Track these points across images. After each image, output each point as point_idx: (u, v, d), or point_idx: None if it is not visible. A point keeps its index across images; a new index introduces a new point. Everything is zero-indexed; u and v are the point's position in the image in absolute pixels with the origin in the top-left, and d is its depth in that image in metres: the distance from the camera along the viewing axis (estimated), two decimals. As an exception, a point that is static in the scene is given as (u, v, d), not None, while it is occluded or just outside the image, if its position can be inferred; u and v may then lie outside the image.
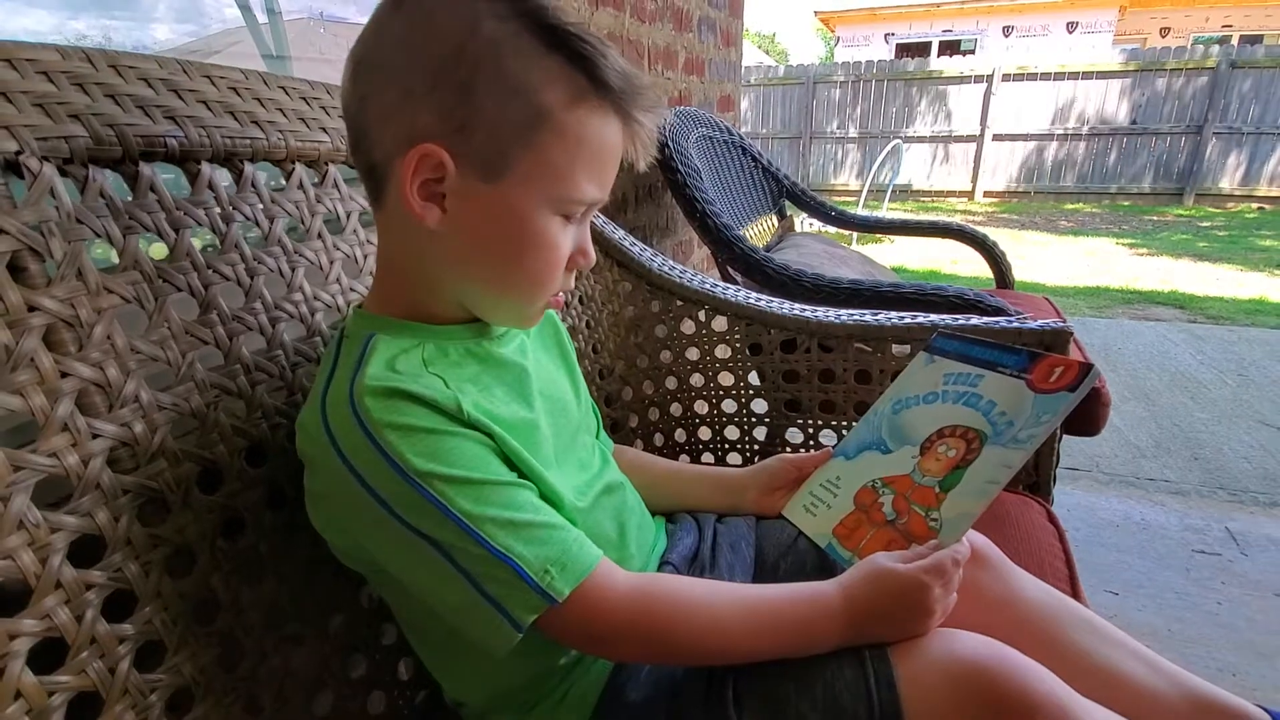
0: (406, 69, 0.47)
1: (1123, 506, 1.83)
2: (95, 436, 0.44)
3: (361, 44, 0.49)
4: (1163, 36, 11.39)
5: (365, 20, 0.49)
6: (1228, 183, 7.97)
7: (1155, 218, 7.38)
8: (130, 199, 0.49)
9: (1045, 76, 8.36)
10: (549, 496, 0.53)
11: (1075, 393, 0.54)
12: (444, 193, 0.48)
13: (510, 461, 0.51)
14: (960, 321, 0.88)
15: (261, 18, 1.26)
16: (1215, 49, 8.01)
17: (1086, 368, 0.54)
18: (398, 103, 0.47)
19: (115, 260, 0.48)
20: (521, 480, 0.51)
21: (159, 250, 0.52)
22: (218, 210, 0.54)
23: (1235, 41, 10.35)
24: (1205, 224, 6.93)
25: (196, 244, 0.55)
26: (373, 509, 0.46)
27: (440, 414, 0.47)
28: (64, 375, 0.43)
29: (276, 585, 0.54)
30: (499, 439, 0.50)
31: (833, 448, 0.71)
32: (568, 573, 0.48)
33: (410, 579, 0.49)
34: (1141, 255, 5.40)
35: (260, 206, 0.58)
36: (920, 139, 9.01)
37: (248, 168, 0.57)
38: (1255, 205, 7.75)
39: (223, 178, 0.56)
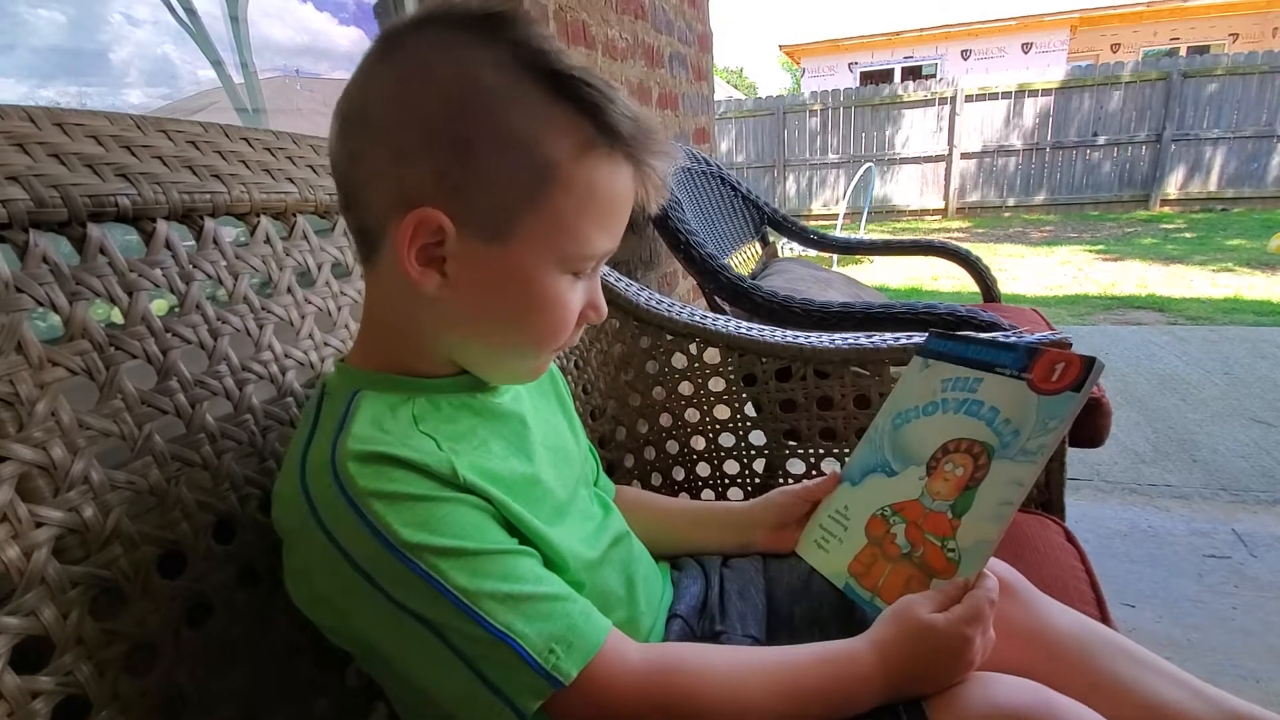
0: (399, 126, 0.43)
1: (1128, 515, 1.81)
2: (39, 525, 0.40)
3: (348, 98, 0.45)
4: (1114, 52, 11.77)
5: (340, 75, 0.46)
6: (1190, 186, 8.19)
7: (1123, 224, 7.54)
8: (78, 263, 0.46)
9: (1006, 95, 8.61)
10: (552, 560, 0.49)
11: (1081, 392, 0.51)
12: (444, 256, 0.45)
13: (510, 526, 0.47)
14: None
15: (237, 77, 1.26)
16: (1166, 61, 8.31)
17: (1090, 361, 0.51)
18: (391, 162, 0.44)
19: (61, 330, 0.44)
20: (522, 547, 0.47)
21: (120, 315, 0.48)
22: (176, 270, 0.51)
23: (1184, 53, 10.72)
24: (1171, 227, 7.08)
25: (162, 307, 0.51)
26: (358, 585, 0.41)
27: (432, 479, 0.43)
28: (2, 459, 0.39)
29: (252, 673, 0.50)
30: (498, 503, 0.46)
31: (839, 473, 0.68)
32: (574, 651, 0.43)
33: (402, 662, 0.44)
34: (1115, 261, 5.49)
35: (223, 263, 0.55)
36: (891, 161, 9.20)
37: (208, 223, 0.54)
38: (1219, 207, 7.96)
39: (183, 236, 0.53)
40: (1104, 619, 0.67)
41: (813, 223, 8.62)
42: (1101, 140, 8.41)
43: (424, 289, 0.45)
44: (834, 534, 0.62)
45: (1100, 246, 6.25)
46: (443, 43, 0.43)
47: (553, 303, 0.47)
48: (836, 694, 0.47)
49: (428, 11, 0.45)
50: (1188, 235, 6.54)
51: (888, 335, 0.93)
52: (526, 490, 0.50)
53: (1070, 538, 0.80)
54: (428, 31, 0.44)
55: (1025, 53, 11.83)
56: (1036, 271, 5.29)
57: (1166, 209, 8.21)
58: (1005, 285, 4.72)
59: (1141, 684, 0.58)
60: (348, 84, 0.46)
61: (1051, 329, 1.57)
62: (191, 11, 1.18)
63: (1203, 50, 10.78)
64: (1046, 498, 0.88)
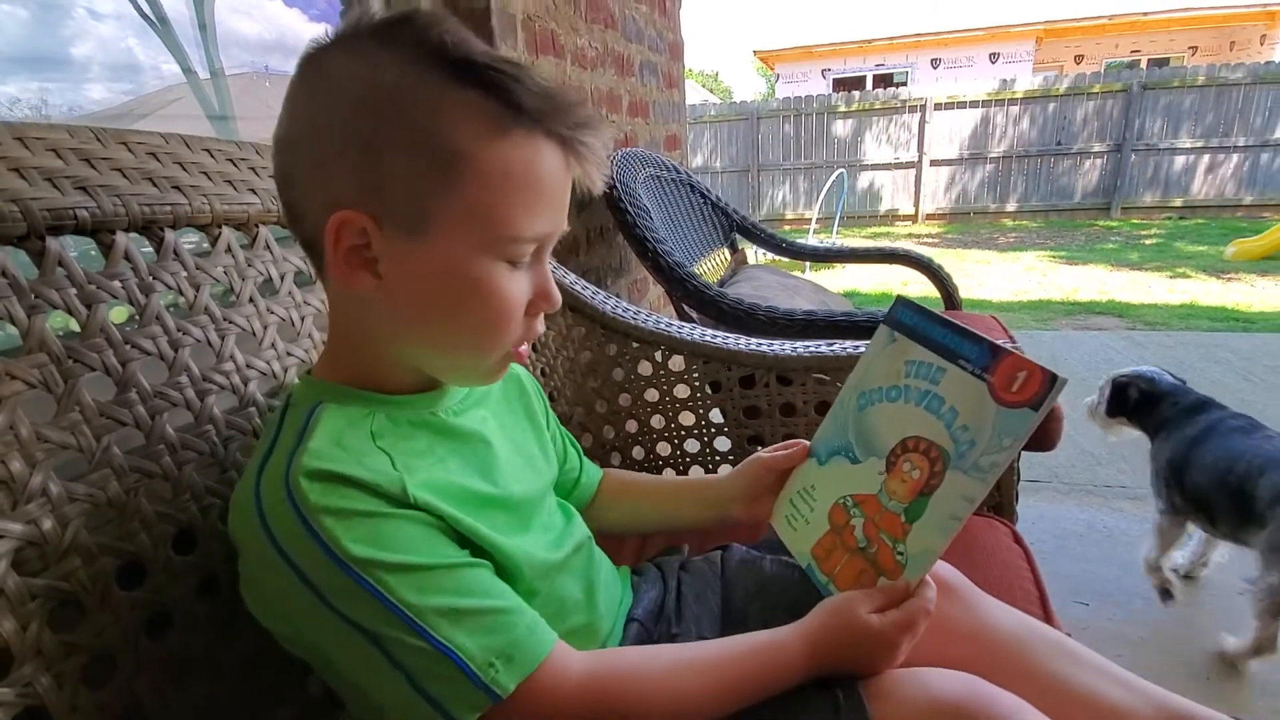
0: (317, 138, 0.45)
1: (1085, 515, 1.87)
2: (-2, 537, 0.40)
3: (279, 125, 0.47)
4: (1077, 64, 12.08)
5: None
6: (1149, 195, 8.45)
7: (1087, 231, 7.74)
8: (36, 276, 0.46)
9: (974, 104, 8.80)
10: (506, 570, 0.50)
11: (1039, 410, 0.50)
12: (375, 257, 0.46)
13: (463, 538, 0.48)
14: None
15: (203, 74, 1.24)
16: (1127, 72, 8.59)
17: (1052, 379, 0.50)
18: (314, 173, 0.46)
19: (20, 342, 0.44)
20: (474, 560, 0.48)
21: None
22: (135, 281, 0.51)
23: (1144, 65, 11.05)
24: (1132, 234, 7.30)
25: (122, 314, 0.51)
26: (306, 598, 0.42)
27: (381, 498, 0.44)
28: (-42, 474, 0.39)
29: (212, 683, 0.50)
30: (449, 518, 0.47)
31: (806, 444, 0.68)
32: (514, 665, 0.44)
33: (349, 672, 0.45)
34: (1077, 267, 5.63)
35: (184, 274, 0.55)
36: (863, 167, 9.34)
37: (169, 235, 0.54)
38: (1177, 215, 8.22)
39: (144, 247, 0.54)
40: (1047, 619, 0.70)
41: (786, 227, 8.74)
42: (1065, 149, 8.64)
43: (358, 290, 0.46)
44: (801, 514, 0.64)
45: (1064, 253, 6.41)
46: (351, 53, 0.45)
47: (489, 292, 0.47)
48: (766, 679, 0.51)
49: (340, 30, 0.47)
50: (1147, 242, 6.74)
51: (849, 343, 0.95)
52: (483, 507, 0.51)
53: (1018, 539, 0.83)
54: (337, 47, 0.46)
55: (993, 63, 12.10)
56: (1003, 277, 5.41)
57: (1128, 217, 8.45)
58: (972, 290, 4.84)
59: (1081, 682, 0.61)
60: (280, 113, 0.47)
61: (1009, 337, 1.62)
62: (163, 19, 1.17)
63: (1163, 62, 11.12)
64: (998, 500, 0.91)
